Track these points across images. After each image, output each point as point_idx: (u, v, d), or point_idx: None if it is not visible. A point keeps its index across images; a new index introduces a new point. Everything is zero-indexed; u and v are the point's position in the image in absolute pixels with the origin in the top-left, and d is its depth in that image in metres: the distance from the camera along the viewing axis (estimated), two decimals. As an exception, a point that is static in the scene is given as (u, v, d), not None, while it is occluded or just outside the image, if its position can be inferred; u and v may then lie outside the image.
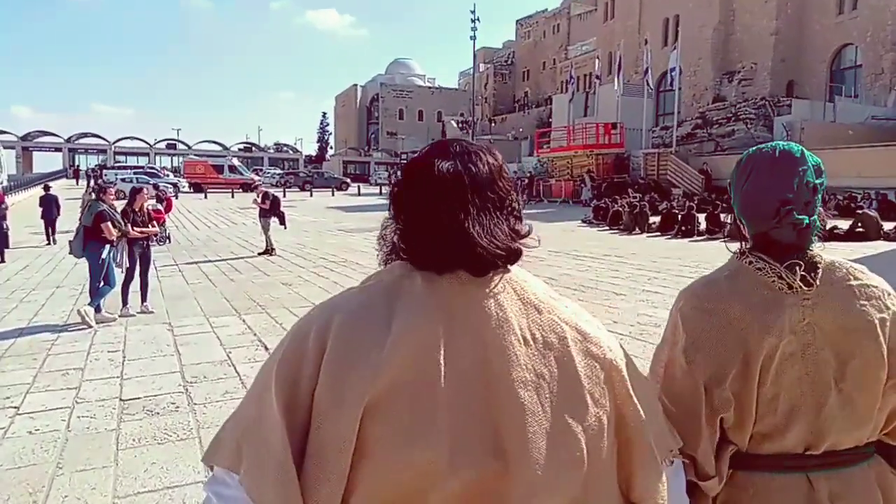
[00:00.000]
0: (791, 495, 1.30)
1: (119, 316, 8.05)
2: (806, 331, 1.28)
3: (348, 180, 56.15)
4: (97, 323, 7.64)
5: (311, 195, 44.06)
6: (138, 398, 5.07)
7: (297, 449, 0.95)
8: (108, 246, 7.92)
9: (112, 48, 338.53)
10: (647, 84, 33.47)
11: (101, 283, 7.95)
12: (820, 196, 1.34)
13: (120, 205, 8.64)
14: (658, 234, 18.31)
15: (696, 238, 16.34)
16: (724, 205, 18.41)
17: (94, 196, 8.35)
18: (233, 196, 41.26)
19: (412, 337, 0.97)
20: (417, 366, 0.96)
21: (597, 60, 38.63)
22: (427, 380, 0.95)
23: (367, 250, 15.41)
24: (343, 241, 17.86)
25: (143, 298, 8.50)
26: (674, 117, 33.61)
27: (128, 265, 8.43)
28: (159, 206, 18.10)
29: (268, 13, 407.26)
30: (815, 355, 1.29)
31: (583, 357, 1.03)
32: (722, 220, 15.97)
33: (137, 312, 8.27)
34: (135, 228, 8.35)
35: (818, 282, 1.30)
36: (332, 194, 45.37)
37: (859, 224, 15.09)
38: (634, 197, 23.94)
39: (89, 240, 7.84)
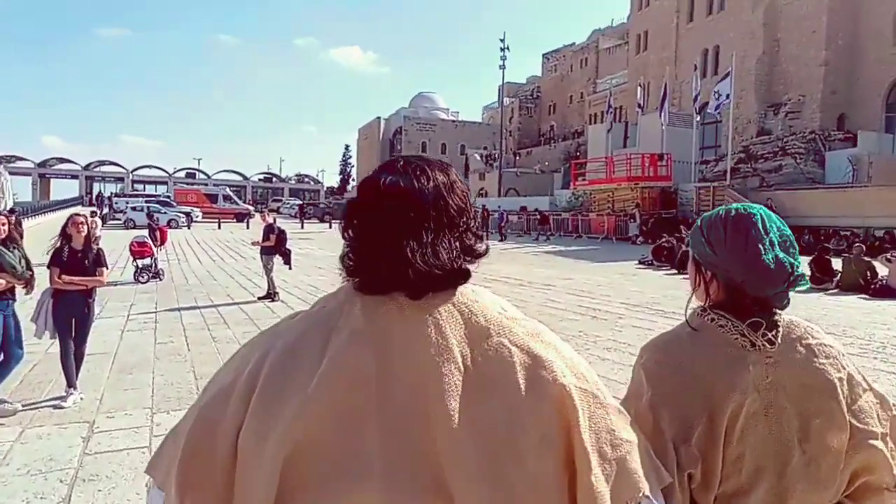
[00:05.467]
0: None
1: (67, 397, 5.58)
2: (769, 389, 1.28)
3: (369, 212, 53.89)
4: (-14, 419, 4.97)
5: (331, 226, 41.67)
6: None
7: (224, 485, 0.92)
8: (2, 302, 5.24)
9: (141, 82, 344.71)
10: (696, 113, 30.80)
11: (-1, 357, 5.28)
12: None
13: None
14: (742, 282, 15.24)
15: (799, 289, 13.20)
16: (834, 248, 15.39)
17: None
18: (248, 227, 39.13)
19: (342, 369, 0.92)
20: (348, 399, 0.91)
21: (639, 89, 36.12)
22: (359, 414, 0.91)
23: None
24: (362, 282, 15.11)
25: (70, 380, 5.74)
26: (727, 148, 31.07)
27: (56, 330, 5.68)
28: (146, 239, 15.69)
29: (293, 50, 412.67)
30: (778, 414, 1.28)
31: (529, 384, 0.94)
32: (833, 266, 12.94)
33: (57, 399, 5.56)
34: (63, 277, 5.64)
35: (779, 340, 1.31)
36: (352, 226, 42.93)
37: None
38: (687, 234, 21.17)
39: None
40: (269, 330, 1.06)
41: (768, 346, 1.30)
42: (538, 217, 33.75)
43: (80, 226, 5.68)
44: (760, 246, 1.30)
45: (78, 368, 5.83)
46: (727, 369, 1.27)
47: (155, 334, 8.77)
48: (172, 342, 8.24)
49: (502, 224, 32.99)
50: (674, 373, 1.30)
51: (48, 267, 5.73)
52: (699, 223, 1.42)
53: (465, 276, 1.01)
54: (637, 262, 19.18)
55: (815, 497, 1.29)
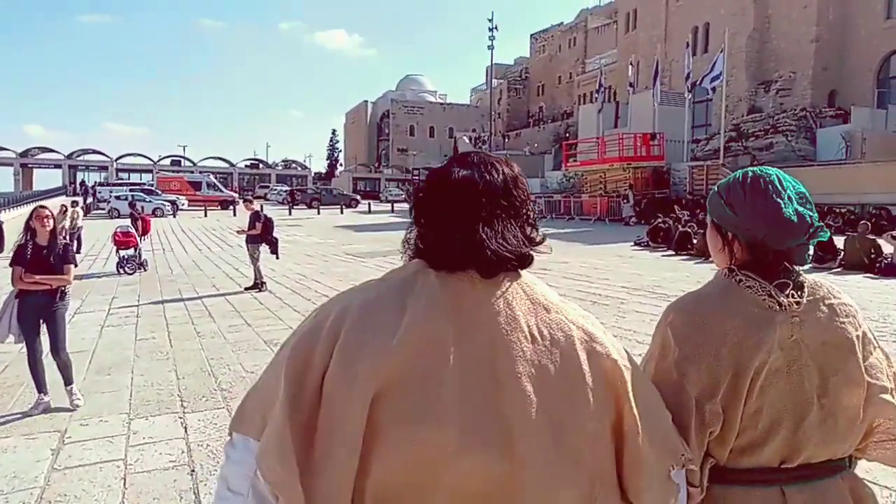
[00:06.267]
0: None
1: (35, 410, 5.16)
2: (793, 347, 1.31)
3: (358, 197, 53.36)
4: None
5: (319, 213, 41.09)
6: None
7: (305, 425, 0.99)
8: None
9: (124, 67, 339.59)
10: (688, 91, 30.39)
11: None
12: None
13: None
14: (740, 262, 14.87)
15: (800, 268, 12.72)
16: (836, 225, 15.07)
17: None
18: (234, 214, 38.51)
19: (423, 328, 1.01)
20: (427, 354, 0.99)
21: (630, 67, 35.59)
22: (436, 368, 0.98)
23: (383, 285, 12.22)
24: (353, 269, 14.72)
25: (67, 381, 5.35)
26: (718, 126, 30.64)
27: (21, 333, 5.20)
28: (130, 229, 15.17)
29: (277, 34, 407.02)
30: (799, 371, 1.31)
31: (587, 355, 1.05)
32: (835, 244, 12.58)
33: (29, 409, 5.13)
34: (26, 275, 5.14)
35: (804, 300, 1.35)
36: (341, 212, 42.36)
37: None
38: (682, 214, 20.88)
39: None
40: (345, 291, 1.15)
41: (795, 306, 1.32)
42: None
43: (45, 219, 5.19)
44: (780, 200, 1.34)
45: (66, 377, 5.34)
46: (754, 329, 1.30)
47: (136, 330, 8.35)
48: (154, 338, 7.82)
49: None
50: (701, 332, 1.32)
51: (10, 265, 5.28)
52: (716, 189, 1.46)
53: (529, 260, 1.10)
54: (632, 243, 18.84)
55: (829, 449, 1.33)
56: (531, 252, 1.10)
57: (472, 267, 1.05)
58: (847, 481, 1.36)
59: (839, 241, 13.17)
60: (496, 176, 1.10)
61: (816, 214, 1.36)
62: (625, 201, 28.00)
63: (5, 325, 5.20)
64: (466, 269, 1.06)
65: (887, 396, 1.36)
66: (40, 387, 5.26)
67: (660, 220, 18.04)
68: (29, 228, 5.31)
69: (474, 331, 1.02)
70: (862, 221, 13.74)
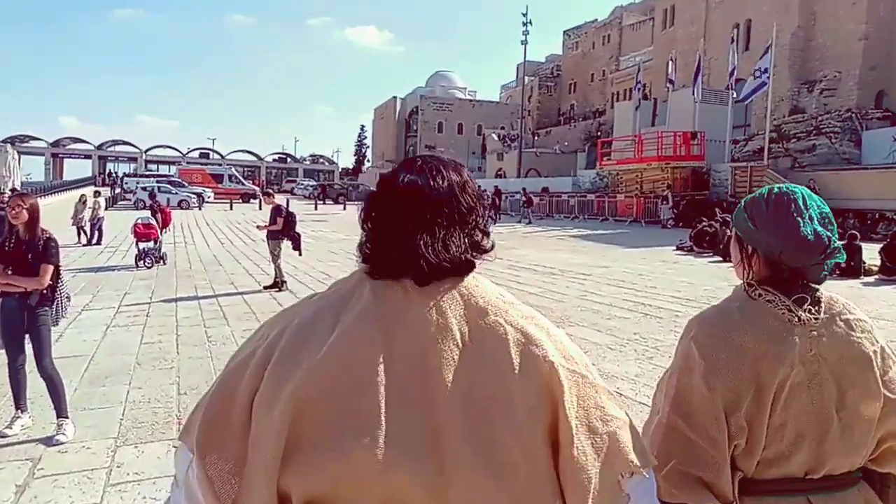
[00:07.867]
0: None
1: (13, 421, 4.53)
2: (813, 361, 1.32)
3: (385, 193, 52.58)
4: None
5: (346, 208, 40.54)
6: None
7: (237, 455, 0.98)
8: None
9: (156, 62, 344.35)
10: (731, 88, 29.13)
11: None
12: None
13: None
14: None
15: (866, 279, 11.74)
16: (884, 234, 13.81)
17: None
18: (260, 207, 38.12)
19: (349, 341, 0.99)
20: (353, 367, 0.97)
21: (670, 63, 34.28)
22: (363, 381, 0.96)
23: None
24: (378, 268, 13.93)
25: (57, 410, 4.49)
26: (759, 127, 29.42)
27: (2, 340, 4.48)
28: (151, 221, 14.59)
29: (306, 30, 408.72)
30: (819, 385, 1.32)
31: (521, 360, 1.01)
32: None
33: (52, 438, 4.40)
34: (2, 275, 4.36)
35: (822, 315, 1.35)
36: (368, 208, 41.76)
37: None
38: (726, 217, 19.79)
39: None
40: (288, 309, 1.12)
41: (813, 321, 1.33)
42: (523, 199, 31.94)
43: (15, 209, 4.39)
44: (799, 219, 1.34)
45: (56, 405, 4.48)
46: (775, 342, 1.30)
47: (143, 331, 7.65)
48: (161, 343, 7.11)
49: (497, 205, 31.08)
50: (724, 345, 1.32)
51: (-8, 262, 4.55)
52: (742, 203, 1.45)
53: (470, 267, 1.07)
54: (674, 247, 17.79)
55: (848, 461, 1.34)
56: (473, 259, 1.07)
57: (408, 275, 1.03)
58: (863, 493, 1.37)
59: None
60: (441, 182, 1.08)
61: (836, 236, 1.36)
62: (663, 202, 26.85)
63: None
64: (403, 278, 1.03)
65: None
66: (18, 402, 4.55)
67: (705, 223, 16.94)
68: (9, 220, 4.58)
69: (405, 342, 0.99)
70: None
